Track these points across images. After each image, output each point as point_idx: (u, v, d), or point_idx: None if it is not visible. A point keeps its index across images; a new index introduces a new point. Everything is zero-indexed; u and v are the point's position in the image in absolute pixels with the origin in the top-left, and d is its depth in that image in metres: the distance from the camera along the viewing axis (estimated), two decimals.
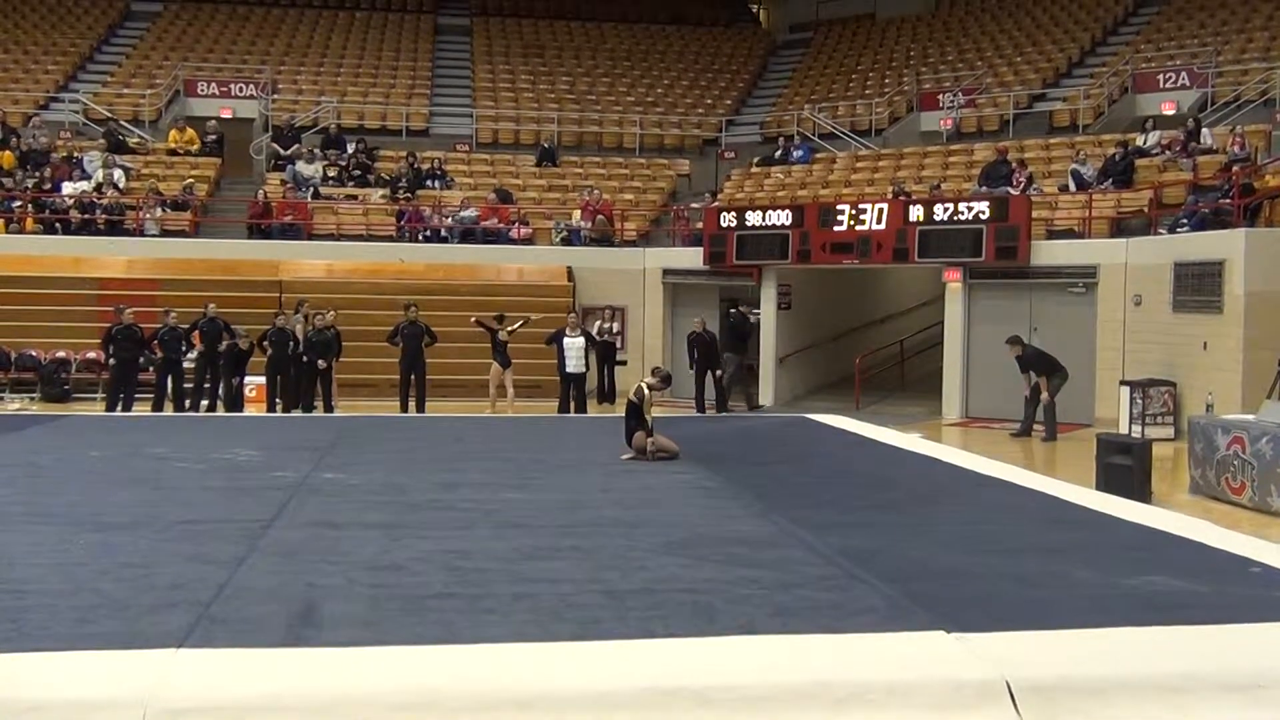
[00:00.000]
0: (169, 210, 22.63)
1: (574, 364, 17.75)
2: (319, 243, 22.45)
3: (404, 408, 17.89)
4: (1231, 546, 7.21)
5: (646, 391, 11.02)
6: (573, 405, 17.84)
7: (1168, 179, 19.46)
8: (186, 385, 17.41)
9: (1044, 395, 16.34)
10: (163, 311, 17.58)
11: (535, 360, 19.19)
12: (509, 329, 17.75)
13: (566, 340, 17.73)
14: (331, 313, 17.99)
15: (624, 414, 11.38)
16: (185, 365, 17.54)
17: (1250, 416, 12.02)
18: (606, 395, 19.54)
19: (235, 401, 17.33)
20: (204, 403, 17.28)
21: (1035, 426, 16.65)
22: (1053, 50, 27.87)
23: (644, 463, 10.68)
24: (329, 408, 17.50)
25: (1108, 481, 11.25)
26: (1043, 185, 20.63)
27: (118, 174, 23.08)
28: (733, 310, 20.51)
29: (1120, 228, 18.88)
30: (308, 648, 4.97)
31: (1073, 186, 20.24)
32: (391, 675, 4.64)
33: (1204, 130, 20.19)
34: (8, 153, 23.49)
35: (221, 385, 17.44)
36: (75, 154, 23.82)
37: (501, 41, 32.39)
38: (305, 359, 17.31)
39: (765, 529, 7.70)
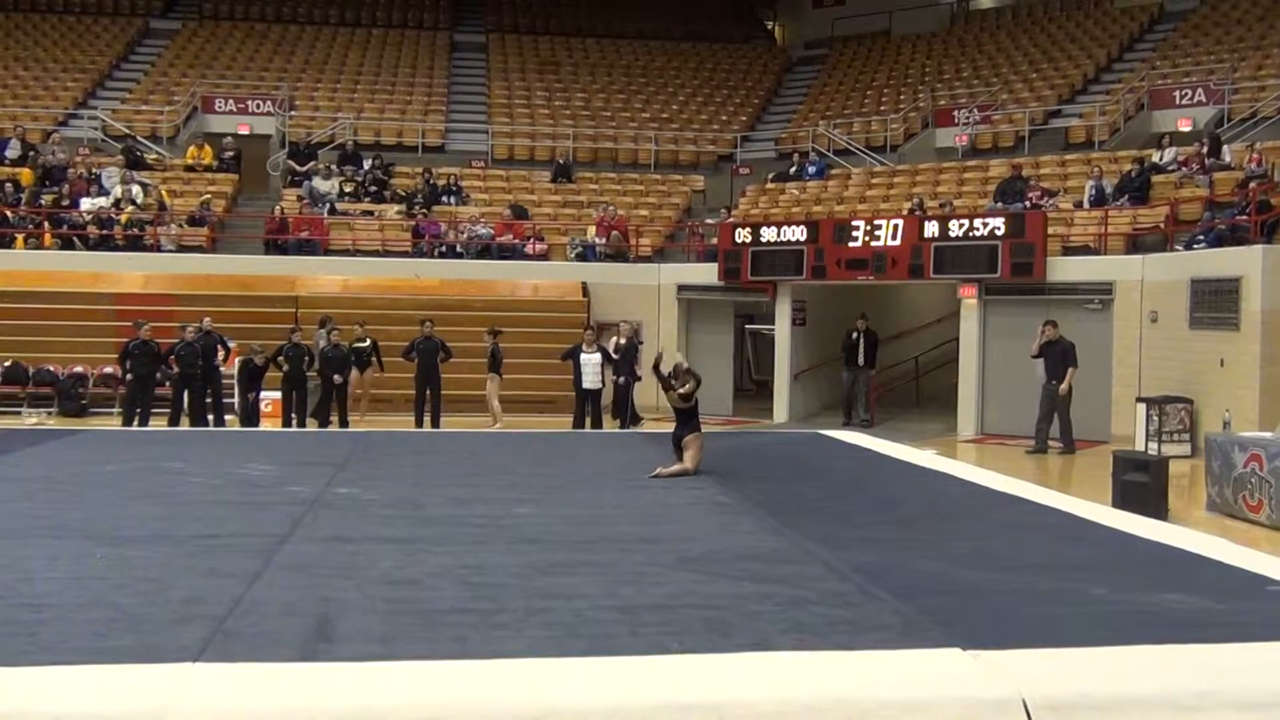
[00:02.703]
0: (185, 226, 22.77)
1: (590, 380, 17.77)
2: (335, 258, 22.56)
3: (419, 423, 17.94)
4: (1249, 565, 7.16)
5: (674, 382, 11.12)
6: (588, 421, 17.86)
7: (1184, 195, 19.42)
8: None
9: (1064, 385, 16.34)
10: (179, 327, 17.68)
11: (550, 376, 19.23)
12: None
13: (583, 356, 17.76)
14: (358, 326, 18.09)
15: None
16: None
17: (1268, 434, 11.98)
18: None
19: (251, 416, 17.42)
20: (209, 417, 17.35)
21: (1050, 442, 16.63)
22: (1068, 67, 27.86)
23: (661, 479, 10.63)
24: (344, 423, 17.56)
25: (1124, 499, 11.21)
26: (1058, 202, 20.61)
27: (136, 190, 23.21)
28: (861, 321, 20.08)
29: (1136, 244, 18.84)
30: (323, 662, 4.98)
31: (1086, 204, 20.22)
32: (406, 690, 4.65)
33: (1224, 147, 20.16)
34: (26, 170, 23.67)
35: (237, 400, 17.54)
36: (94, 170, 23.97)
37: (517, 58, 32.52)
38: (320, 373, 17.42)
39: (779, 545, 7.69)
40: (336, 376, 17.40)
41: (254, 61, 30.87)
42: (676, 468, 10.85)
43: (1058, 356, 16.67)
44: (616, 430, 17.48)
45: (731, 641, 5.34)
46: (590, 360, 17.76)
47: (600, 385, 18.00)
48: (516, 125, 28.86)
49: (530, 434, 16.46)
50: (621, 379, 18.12)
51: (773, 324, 21.45)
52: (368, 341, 18.13)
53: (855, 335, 19.93)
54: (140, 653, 5.02)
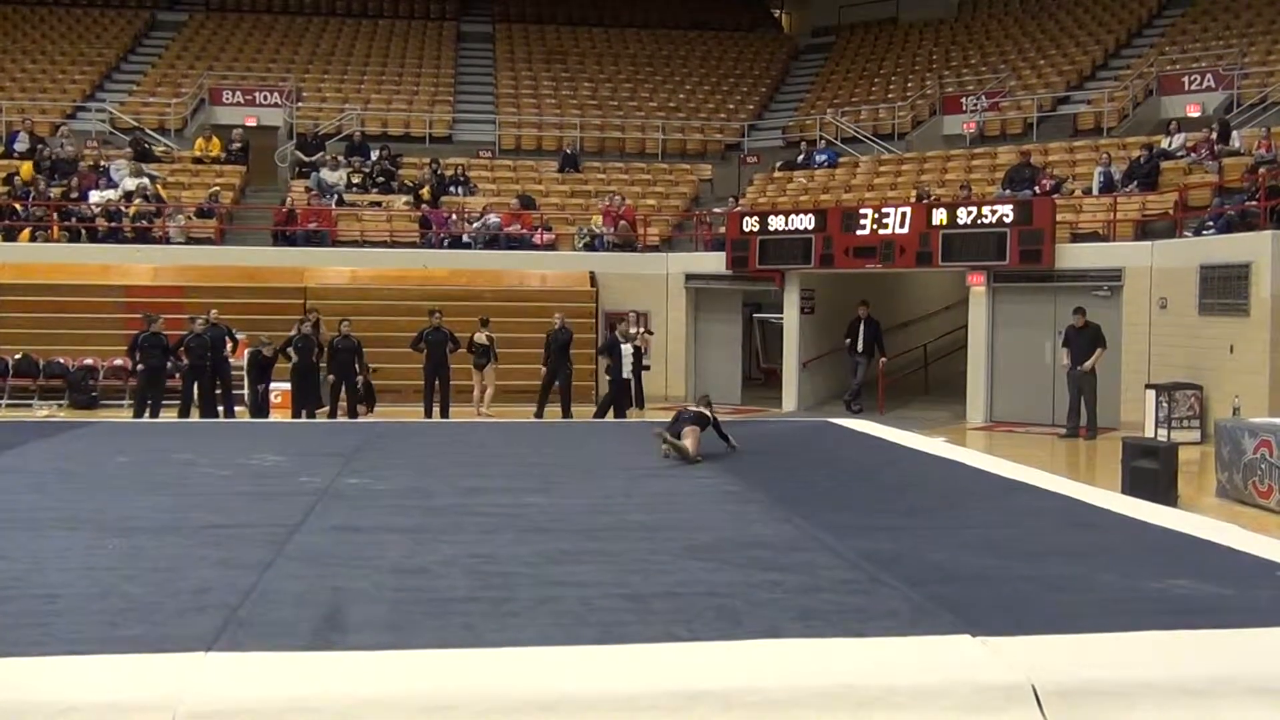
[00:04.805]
0: (194, 218, 22.80)
1: (628, 370, 18.08)
2: (343, 249, 22.58)
3: (428, 413, 17.97)
4: (1258, 550, 7.15)
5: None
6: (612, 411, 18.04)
7: (1193, 181, 19.36)
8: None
9: (1089, 363, 16.66)
10: (189, 319, 17.73)
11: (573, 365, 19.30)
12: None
13: (624, 346, 18.09)
14: (344, 322, 18.03)
15: (682, 416, 11.46)
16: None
17: (1278, 420, 11.94)
18: (635, 400, 19.53)
19: (260, 407, 17.45)
20: (219, 408, 17.41)
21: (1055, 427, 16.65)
22: (1076, 53, 27.76)
23: (668, 465, 10.69)
24: (353, 414, 17.59)
25: (1134, 485, 11.20)
26: (1065, 188, 20.56)
27: (147, 182, 23.21)
28: (862, 308, 20.13)
29: (1145, 231, 18.79)
30: (334, 651, 5.00)
31: (1095, 190, 20.16)
32: (416, 678, 4.66)
33: (1234, 133, 20.08)
34: (27, 164, 23.68)
35: (246, 391, 17.57)
36: (102, 163, 24.01)
37: (524, 48, 32.49)
38: (327, 367, 17.49)
39: (788, 533, 7.70)
40: (330, 377, 17.46)
41: (261, 53, 30.87)
42: (683, 442, 10.90)
43: (1086, 341, 16.75)
44: (626, 420, 17.49)
45: (741, 629, 5.34)
46: (628, 351, 18.06)
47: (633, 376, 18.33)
48: (524, 115, 28.84)
49: (539, 424, 16.50)
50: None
51: (781, 312, 21.43)
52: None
53: (857, 323, 19.92)
54: (152, 642, 5.04)
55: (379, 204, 24.11)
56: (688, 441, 10.93)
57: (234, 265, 21.52)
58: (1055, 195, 19.78)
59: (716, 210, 24.00)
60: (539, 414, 18.17)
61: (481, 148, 27.61)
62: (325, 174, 24.45)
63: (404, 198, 24.20)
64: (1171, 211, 18.84)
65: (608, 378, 18.23)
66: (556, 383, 18.37)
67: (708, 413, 11.46)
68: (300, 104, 27.98)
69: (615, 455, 11.78)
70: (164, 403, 17.35)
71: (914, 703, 4.60)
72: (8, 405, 18.99)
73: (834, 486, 9.95)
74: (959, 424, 18.61)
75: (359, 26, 32.95)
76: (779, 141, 28.30)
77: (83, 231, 22.13)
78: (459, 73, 31.09)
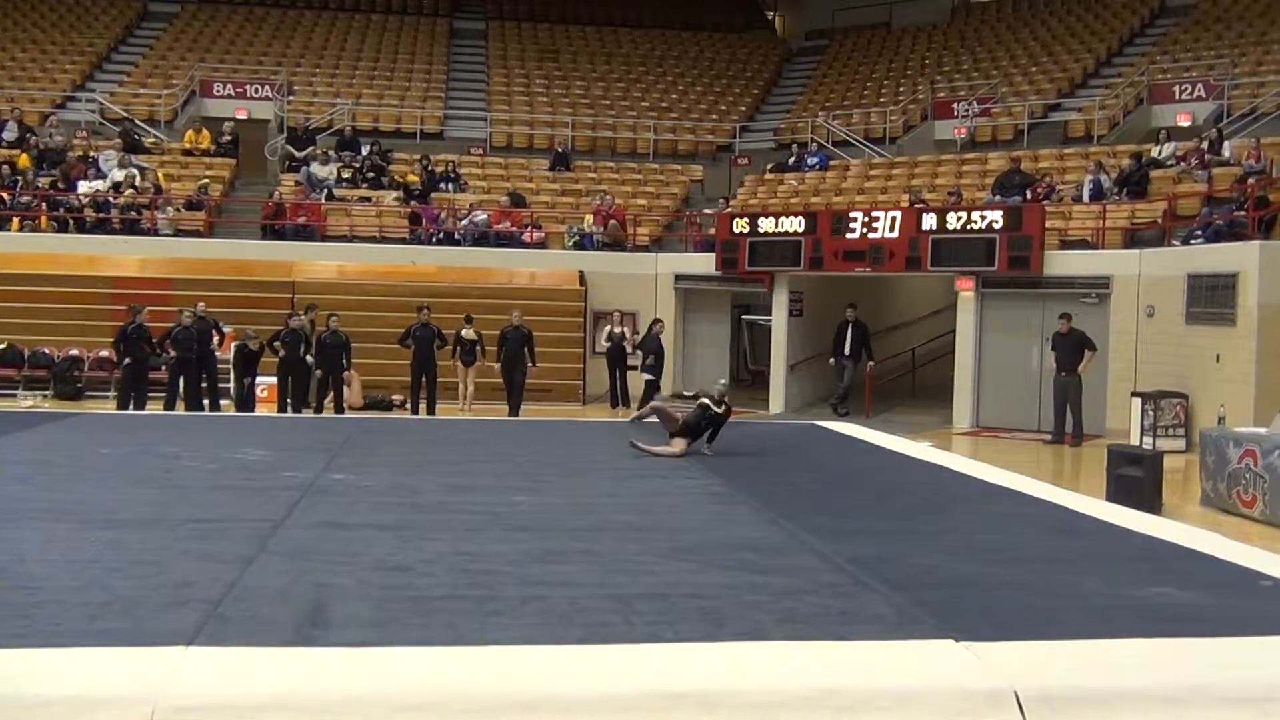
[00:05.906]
0: (183, 210, 22.72)
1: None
2: (332, 244, 22.52)
3: (415, 410, 17.94)
4: (1242, 559, 7.16)
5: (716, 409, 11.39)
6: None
7: (1182, 190, 19.41)
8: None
9: (1083, 366, 16.74)
10: (177, 311, 17.66)
11: (549, 364, 19.30)
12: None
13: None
14: (333, 317, 17.99)
15: (694, 409, 11.47)
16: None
17: (1262, 430, 11.99)
18: (620, 399, 19.57)
19: (246, 401, 17.40)
20: (205, 402, 17.36)
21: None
22: (1068, 60, 27.84)
23: (657, 464, 10.69)
24: (340, 409, 17.56)
25: (1118, 493, 11.22)
26: (1057, 195, 20.61)
27: (136, 173, 23.12)
28: (850, 310, 20.11)
29: (1134, 239, 18.84)
30: (316, 647, 4.98)
31: (1085, 198, 20.20)
32: (399, 676, 4.64)
33: (1226, 143, 20.15)
34: (24, 154, 23.58)
35: (232, 385, 17.53)
36: (91, 153, 23.91)
37: (516, 46, 32.46)
38: (314, 361, 17.46)
39: (774, 535, 7.69)
40: (318, 372, 17.47)
41: (253, 45, 30.79)
42: (662, 448, 10.93)
43: (1072, 347, 16.78)
44: (617, 419, 17.50)
45: (725, 631, 5.33)
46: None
47: None
48: (515, 113, 28.81)
49: (527, 422, 16.47)
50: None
51: (769, 314, 21.44)
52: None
53: (844, 326, 19.93)
54: (134, 636, 5.02)
55: (369, 199, 24.06)
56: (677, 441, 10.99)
57: (222, 258, 21.45)
58: (1046, 201, 19.83)
59: (707, 211, 24.01)
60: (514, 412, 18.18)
61: (473, 145, 27.58)
62: (315, 168, 24.39)
63: (394, 193, 24.15)
64: (1160, 220, 18.89)
65: (649, 377, 18.34)
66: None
67: (709, 404, 11.36)
68: (291, 98, 27.90)
69: (603, 455, 11.76)
70: (149, 395, 17.29)
71: (897, 707, 4.59)
72: None
73: (820, 490, 9.96)
74: (945, 429, 18.65)
75: (351, 21, 32.89)
76: (770, 143, 28.32)
77: (70, 222, 22.02)
78: (451, 69, 31.04)
